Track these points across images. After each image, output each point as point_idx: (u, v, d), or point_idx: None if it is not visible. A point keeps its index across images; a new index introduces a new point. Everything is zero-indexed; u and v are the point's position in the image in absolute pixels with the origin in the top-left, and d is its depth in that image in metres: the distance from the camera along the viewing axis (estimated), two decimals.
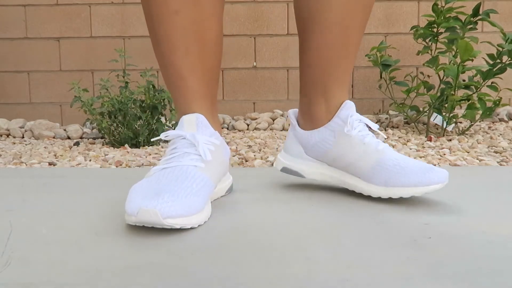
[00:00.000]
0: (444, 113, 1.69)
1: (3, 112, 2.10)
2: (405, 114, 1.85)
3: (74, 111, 2.02)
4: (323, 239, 0.61)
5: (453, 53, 1.69)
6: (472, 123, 1.75)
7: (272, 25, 2.09)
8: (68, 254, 0.57)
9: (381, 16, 2.11)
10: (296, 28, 0.96)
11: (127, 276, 0.50)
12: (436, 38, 1.76)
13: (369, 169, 0.79)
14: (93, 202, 0.79)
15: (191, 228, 0.65)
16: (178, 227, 0.62)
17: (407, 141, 1.61)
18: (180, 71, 0.77)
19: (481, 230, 0.63)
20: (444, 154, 1.38)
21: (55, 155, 1.52)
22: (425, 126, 1.90)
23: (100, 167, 1.32)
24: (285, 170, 0.89)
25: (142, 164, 1.33)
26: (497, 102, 1.67)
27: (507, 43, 1.63)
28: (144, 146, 1.65)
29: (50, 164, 1.37)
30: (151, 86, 1.67)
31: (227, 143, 1.64)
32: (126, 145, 1.62)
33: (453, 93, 1.65)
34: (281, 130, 1.97)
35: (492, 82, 1.68)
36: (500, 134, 1.72)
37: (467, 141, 1.58)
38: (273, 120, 2.03)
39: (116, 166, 1.33)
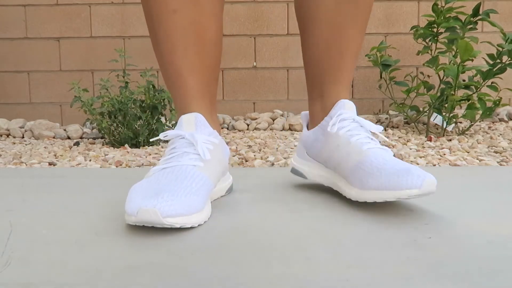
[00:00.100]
0: (444, 113, 1.69)
1: (3, 112, 2.10)
2: (405, 114, 1.85)
3: (74, 111, 2.02)
4: (323, 239, 0.61)
5: (453, 53, 1.69)
6: (472, 123, 1.75)
7: (272, 25, 2.09)
8: (68, 254, 0.57)
9: (381, 16, 2.11)
10: (296, 28, 0.96)
11: (127, 276, 0.50)
12: (436, 38, 1.76)
13: (350, 170, 0.74)
14: (93, 202, 0.79)
15: (191, 228, 0.65)
16: (178, 226, 0.62)
17: (407, 141, 1.61)
18: (179, 70, 0.77)
19: (481, 230, 0.63)
20: (444, 154, 1.38)
21: (55, 155, 1.52)
22: (425, 126, 1.90)
23: (100, 167, 1.32)
24: (293, 171, 0.89)
25: (142, 164, 1.33)
26: (497, 102, 1.67)
27: (507, 43, 1.63)
28: (144, 146, 1.65)
29: (50, 164, 1.37)
30: (151, 86, 1.67)
31: (227, 143, 1.64)
32: (126, 145, 1.62)
33: (453, 93, 1.65)
34: (281, 130, 1.97)
35: (492, 82, 1.68)
36: (500, 134, 1.72)
37: (467, 141, 1.58)
38: (273, 120, 2.03)
39: (116, 166, 1.33)
